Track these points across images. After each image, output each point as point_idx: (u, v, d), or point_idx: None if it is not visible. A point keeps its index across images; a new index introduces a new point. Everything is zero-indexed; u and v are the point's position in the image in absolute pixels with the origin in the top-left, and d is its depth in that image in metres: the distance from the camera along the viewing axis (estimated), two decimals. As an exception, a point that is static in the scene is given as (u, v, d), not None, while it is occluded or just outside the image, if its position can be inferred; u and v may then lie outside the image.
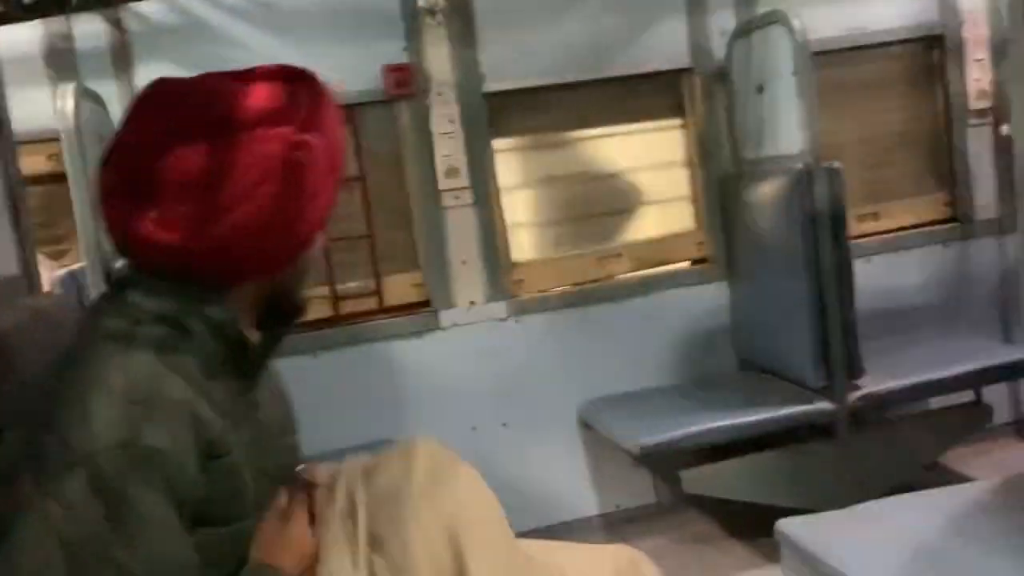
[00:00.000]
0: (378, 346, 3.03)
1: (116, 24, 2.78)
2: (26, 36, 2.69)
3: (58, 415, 0.93)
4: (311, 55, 2.84)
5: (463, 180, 3.05)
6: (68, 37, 2.79)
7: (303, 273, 1.17)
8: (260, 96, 1.07)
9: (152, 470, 0.93)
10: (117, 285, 1.07)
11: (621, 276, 3.32)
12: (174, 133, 1.02)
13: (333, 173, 1.12)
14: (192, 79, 1.10)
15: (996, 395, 3.20)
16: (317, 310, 3.01)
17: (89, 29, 2.79)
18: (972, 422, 3.11)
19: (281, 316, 1.16)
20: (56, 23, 2.74)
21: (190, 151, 1.01)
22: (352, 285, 3.05)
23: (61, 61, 2.78)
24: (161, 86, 1.09)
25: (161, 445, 0.94)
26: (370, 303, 3.07)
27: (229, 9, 2.83)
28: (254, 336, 1.12)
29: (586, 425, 3.19)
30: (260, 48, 2.84)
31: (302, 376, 2.86)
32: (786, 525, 1.97)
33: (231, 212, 1.01)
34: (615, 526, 3.19)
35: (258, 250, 1.05)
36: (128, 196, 1.03)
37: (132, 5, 2.73)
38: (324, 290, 3.01)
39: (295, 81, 1.10)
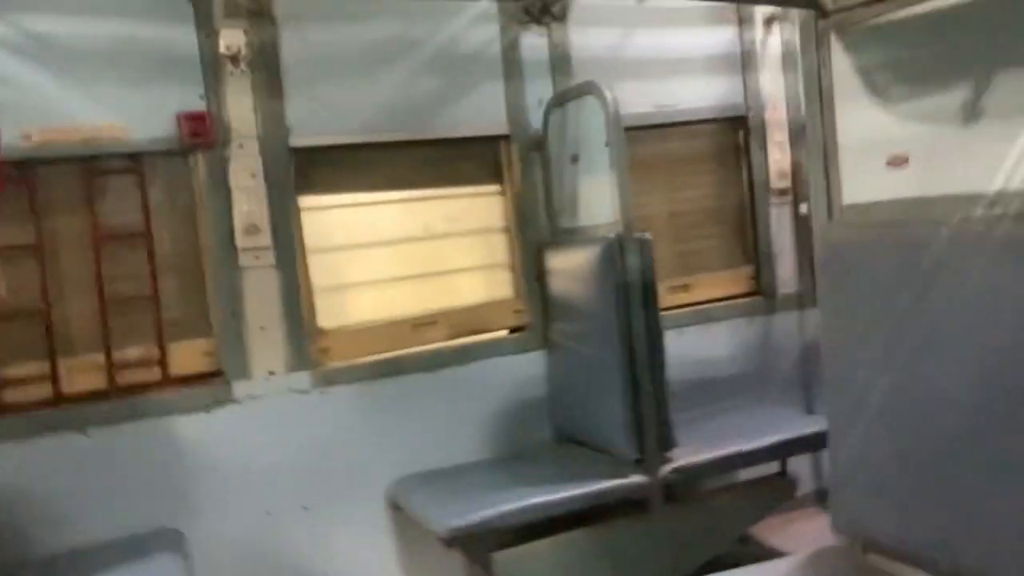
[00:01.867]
0: (162, 421, 2.70)
1: None
2: None
3: None
4: (95, 97, 2.62)
5: (264, 239, 2.82)
6: None
7: None
8: None
9: None
10: None
11: (436, 344, 3.17)
12: None
13: None
14: None
15: (800, 465, 3.27)
16: (88, 380, 2.66)
17: None
18: (779, 493, 3.15)
19: None
20: None
21: None
22: (132, 352, 2.72)
23: None
24: None
25: None
26: (153, 373, 2.74)
27: (-3, 40, 2.52)
28: None
29: (395, 506, 2.97)
30: (33, 84, 2.54)
31: (70, 456, 2.56)
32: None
33: None
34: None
35: None
36: None
37: None
38: (98, 357, 2.66)
39: None
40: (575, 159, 3.10)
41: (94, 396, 2.65)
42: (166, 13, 2.69)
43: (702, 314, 3.54)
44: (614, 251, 2.81)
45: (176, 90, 2.70)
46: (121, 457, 2.63)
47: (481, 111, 3.16)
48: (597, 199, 2.98)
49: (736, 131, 3.67)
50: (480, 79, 3.15)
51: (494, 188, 3.30)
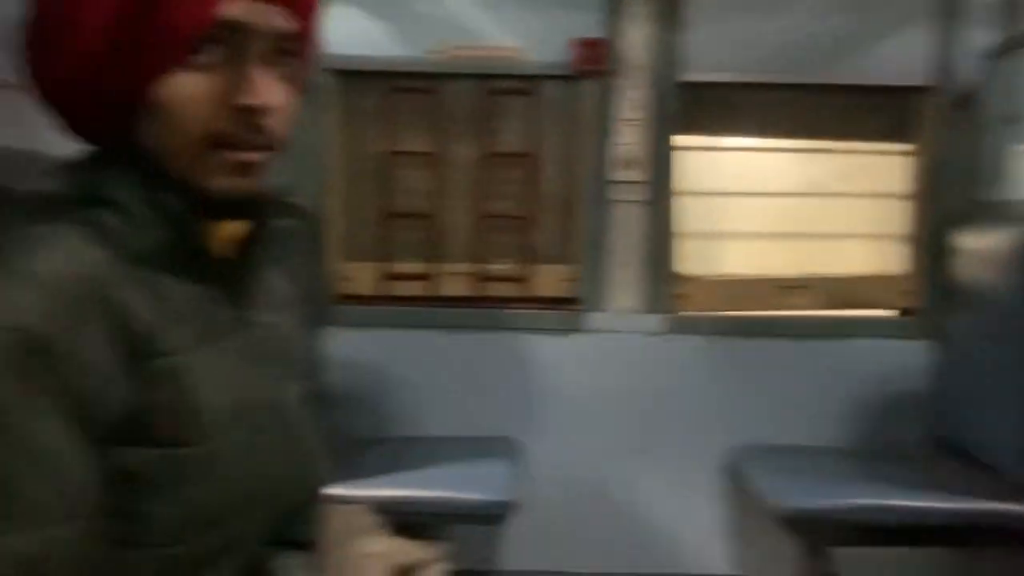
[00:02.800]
0: (517, 336, 2.80)
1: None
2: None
3: None
4: (499, 19, 2.74)
5: (639, 174, 2.76)
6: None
7: (166, 135, 0.82)
8: None
9: (41, 368, 0.72)
10: (64, 166, 0.88)
11: (804, 312, 2.90)
12: None
13: None
14: None
15: None
16: (458, 286, 2.83)
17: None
18: None
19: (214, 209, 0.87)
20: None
21: None
22: (500, 267, 2.84)
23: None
24: None
25: (58, 334, 0.73)
26: (516, 289, 2.85)
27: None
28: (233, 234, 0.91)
29: (732, 472, 2.79)
30: (452, 4, 2.72)
31: (434, 353, 2.76)
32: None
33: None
34: (747, 595, 2.78)
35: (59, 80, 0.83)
36: None
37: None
38: (470, 266, 2.82)
39: None
40: (1010, 120, 2.61)
41: (462, 301, 2.83)
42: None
43: None
44: (1044, 234, 2.32)
45: (575, 16, 2.72)
46: (477, 362, 2.78)
47: (898, 57, 2.78)
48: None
49: None
50: (902, 20, 2.76)
51: (901, 147, 2.90)
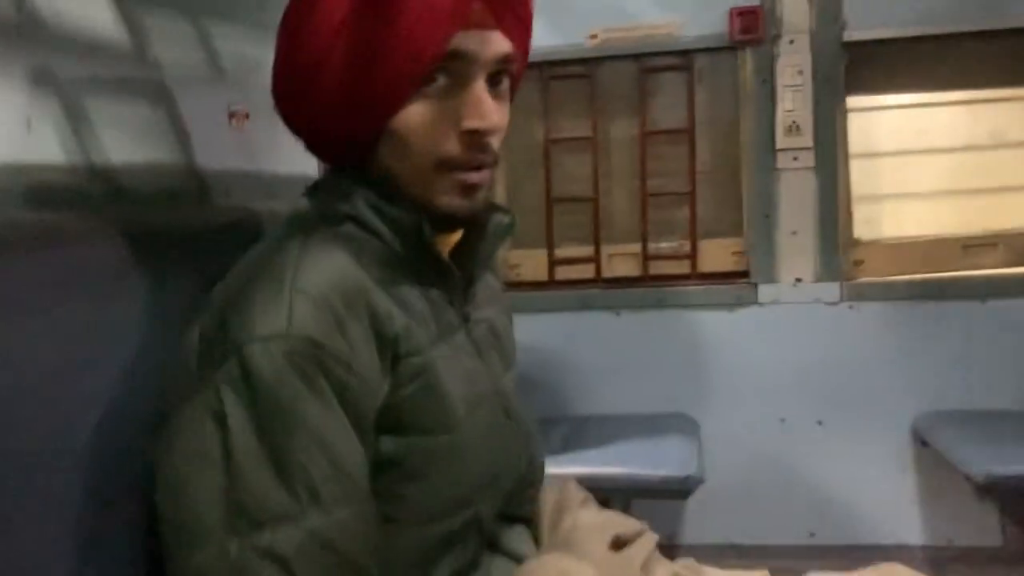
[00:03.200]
0: (686, 314, 2.80)
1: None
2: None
3: (227, 306, 0.83)
4: (654, -3, 2.74)
5: (805, 140, 2.69)
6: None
7: (401, 160, 0.90)
8: None
9: (314, 367, 0.79)
10: (313, 188, 0.98)
11: (992, 271, 2.75)
12: None
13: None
14: None
15: None
16: (624, 266, 2.86)
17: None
18: None
19: (442, 223, 0.95)
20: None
21: None
22: (665, 245, 2.85)
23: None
24: None
25: (326, 338, 0.80)
26: (683, 267, 2.84)
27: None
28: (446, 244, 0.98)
29: (922, 441, 2.69)
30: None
31: (602, 333, 2.81)
32: None
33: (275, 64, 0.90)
34: (942, 563, 2.68)
35: (294, 113, 0.93)
36: None
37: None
38: (635, 246, 2.85)
39: None
40: None
41: (628, 281, 2.85)
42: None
43: None
44: None
45: (730, -15, 2.69)
46: (647, 341, 2.80)
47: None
48: None
49: None
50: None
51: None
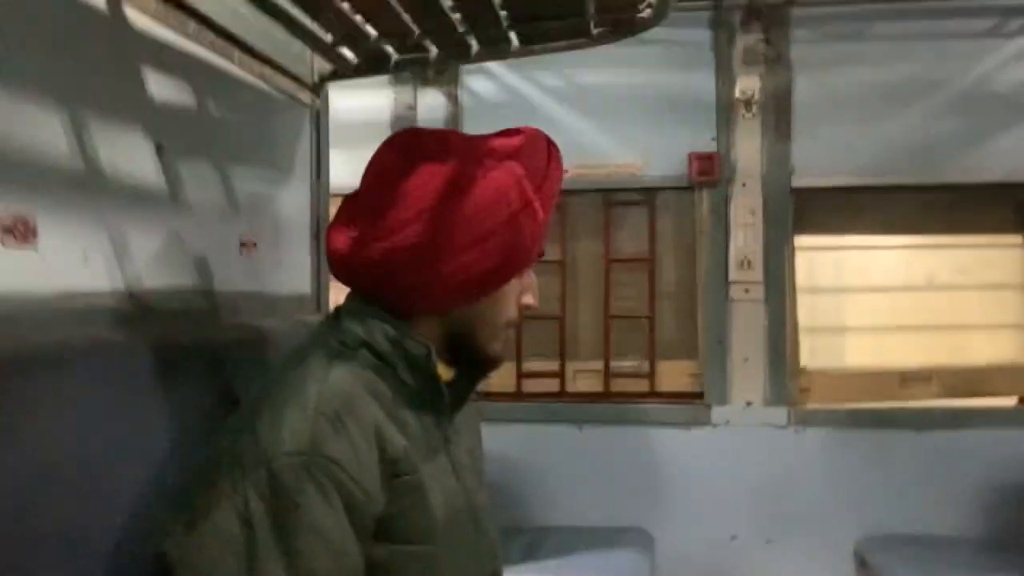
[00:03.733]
0: (644, 430, 2.96)
1: (452, 98, 3.10)
2: (378, 104, 3.08)
3: (259, 420, 1.00)
4: (620, 137, 3.01)
5: (756, 274, 2.93)
6: (412, 108, 3.14)
7: (483, 320, 1.14)
8: (500, 140, 1.13)
9: (328, 480, 0.96)
10: (336, 312, 1.15)
11: (927, 403, 2.96)
12: (399, 163, 1.10)
13: (525, 227, 1.10)
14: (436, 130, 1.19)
15: None
16: (587, 383, 3.04)
17: (431, 101, 3.13)
18: None
19: (475, 364, 1.18)
20: (404, 95, 3.12)
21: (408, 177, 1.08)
22: (626, 364, 3.04)
23: (403, 127, 3.13)
24: (408, 133, 1.19)
25: (340, 457, 0.98)
26: (642, 385, 3.03)
27: (550, 90, 3.02)
28: (447, 374, 1.15)
29: (863, 562, 2.83)
30: (572, 126, 2.99)
31: (565, 446, 2.96)
32: None
33: (394, 235, 1.06)
34: None
35: (416, 275, 1.07)
36: (344, 218, 1.12)
37: (466, 81, 3.04)
38: (598, 364, 3.03)
39: (532, 137, 1.16)
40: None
41: (591, 397, 3.02)
42: (688, 62, 2.96)
43: None
44: None
45: (689, 132, 2.96)
46: (606, 455, 2.94)
47: (1007, 155, 2.88)
48: None
49: None
50: (1007, 119, 2.88)
51: (1015, 239, 2.98)
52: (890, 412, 2.93)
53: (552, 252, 3.07)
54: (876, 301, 3.03)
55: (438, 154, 1.09)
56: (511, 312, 1.16)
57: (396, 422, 1.06)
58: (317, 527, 0.95)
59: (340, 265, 1.11)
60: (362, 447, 1.00)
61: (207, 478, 0.98)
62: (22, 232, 0.94)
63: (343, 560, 0.98)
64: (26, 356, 0.89)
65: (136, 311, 1.12)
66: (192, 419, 1.05)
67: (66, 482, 0.88)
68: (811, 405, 2.96)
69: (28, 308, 0.97)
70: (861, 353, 3.03)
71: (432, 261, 1.06)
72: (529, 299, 1.18)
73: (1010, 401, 2.97)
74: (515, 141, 1.14)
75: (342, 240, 1.09)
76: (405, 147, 1.12)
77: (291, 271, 1.13)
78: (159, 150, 1.20)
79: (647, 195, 3.04)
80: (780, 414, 2.92)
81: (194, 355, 1.15)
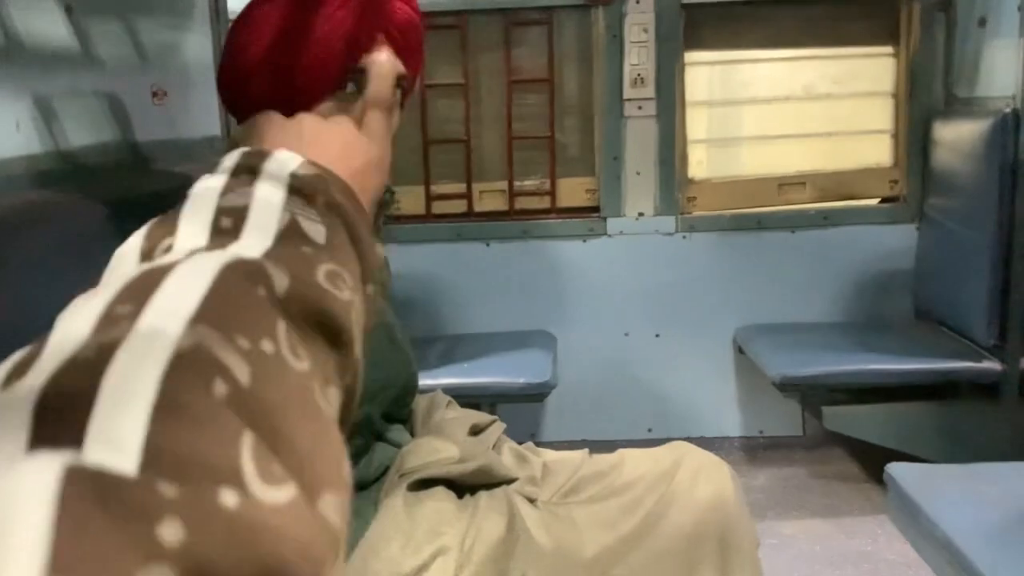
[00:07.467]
0: (546, 243, 3.19)
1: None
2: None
3: None
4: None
5: (648, 91, 3.09)
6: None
7: None
8: None
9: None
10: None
11: (800, 206, 3.25)
12: None
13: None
14: None
15: None
16: (492, 202, 3.22)
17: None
18: None
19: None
20: None
21: None
22: (528, 183, 3.21)
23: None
24: None
25: None
26: (543, 202, 3.22)
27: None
28: None
29: (739, 348, 3.22)
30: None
31: (473, 262, 3.18)
32: (895, 469, 1.96)
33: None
34: (754, 450, 3.24)
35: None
36: None
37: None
38: (502, 184, 3.20)
39: None
40: (982, 22, 2.88)
41: (496, 215, 3.21)
42: None
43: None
44: (1007, 125, 2.64)
45: (585, -51, 3.00)
46: (512, 268, 3.19)
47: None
48: (1000, 68, 2.77)
49: None
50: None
51: (886, 50, 3.19)
52: (768, 215, 3.21)
53: (455, 75, 3.15)
54: (761, 112, 3.23)
55: None
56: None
57: None
58: None
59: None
60: None
61: None
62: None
63: None
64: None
65: (70, 169, 1.22)
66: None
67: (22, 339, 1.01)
68: (698, 212, 3.22)
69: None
70: (744, 162, 3.27)
71: (232, 92, 0.97)
72: None
73: (873, 201, 3.28)
74: None
75: None
76: None
77: (200, 115, 1.23)
78: (69, 11, 1.26)
79: (546, 13, 3.10)
80: (669, 222, 3.18)
81: (129, 209, 1.26)
